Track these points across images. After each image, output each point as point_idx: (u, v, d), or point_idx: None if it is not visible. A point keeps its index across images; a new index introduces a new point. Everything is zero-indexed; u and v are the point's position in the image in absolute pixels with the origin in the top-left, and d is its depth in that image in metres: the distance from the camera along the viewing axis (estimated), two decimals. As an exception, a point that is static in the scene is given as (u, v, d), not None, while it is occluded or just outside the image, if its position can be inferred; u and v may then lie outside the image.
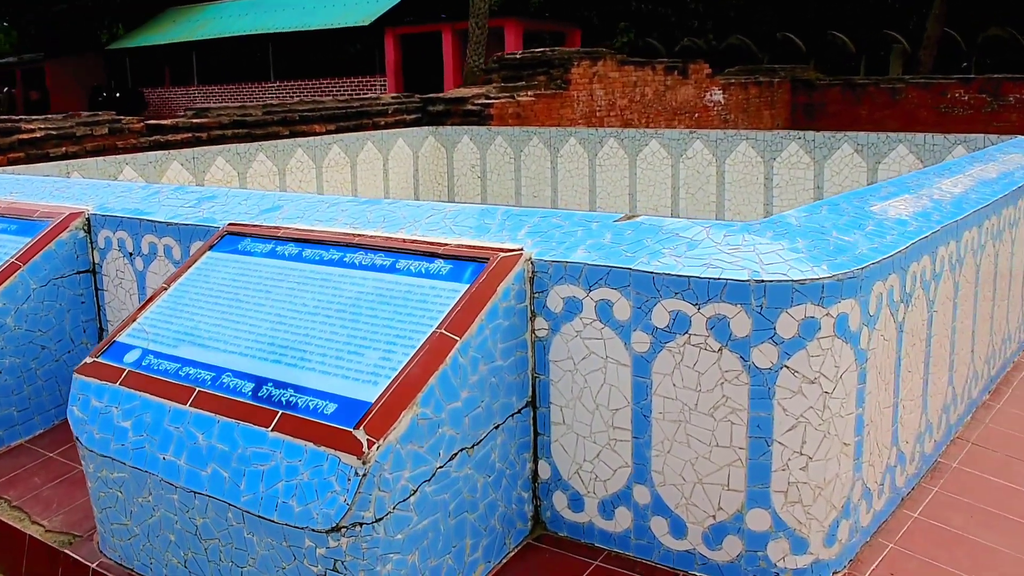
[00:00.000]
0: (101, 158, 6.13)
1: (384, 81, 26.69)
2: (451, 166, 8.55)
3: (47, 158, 6.63)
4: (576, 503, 2.72)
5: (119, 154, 6.84)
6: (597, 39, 26.18)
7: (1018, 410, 3.66)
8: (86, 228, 3.95)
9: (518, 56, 10.84)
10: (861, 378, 2.44)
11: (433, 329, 2.50)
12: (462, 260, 2.70)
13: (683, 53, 23.32)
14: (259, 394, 2.57)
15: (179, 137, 7.72)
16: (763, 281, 2.29)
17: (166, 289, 3.18)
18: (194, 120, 7.92)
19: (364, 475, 2.25)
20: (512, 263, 2.62)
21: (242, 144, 7.10)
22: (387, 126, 9.46)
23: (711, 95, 13.20)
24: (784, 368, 2.32)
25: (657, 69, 12.21)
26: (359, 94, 25.47)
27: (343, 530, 2.26)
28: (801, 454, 2.36)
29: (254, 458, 2.45)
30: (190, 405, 2.65)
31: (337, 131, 8.91)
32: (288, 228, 3.20)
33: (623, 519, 2.62)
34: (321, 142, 7.62)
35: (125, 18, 34.09)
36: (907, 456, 2.88)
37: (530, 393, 2.71)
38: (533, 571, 2.65)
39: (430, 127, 8.76)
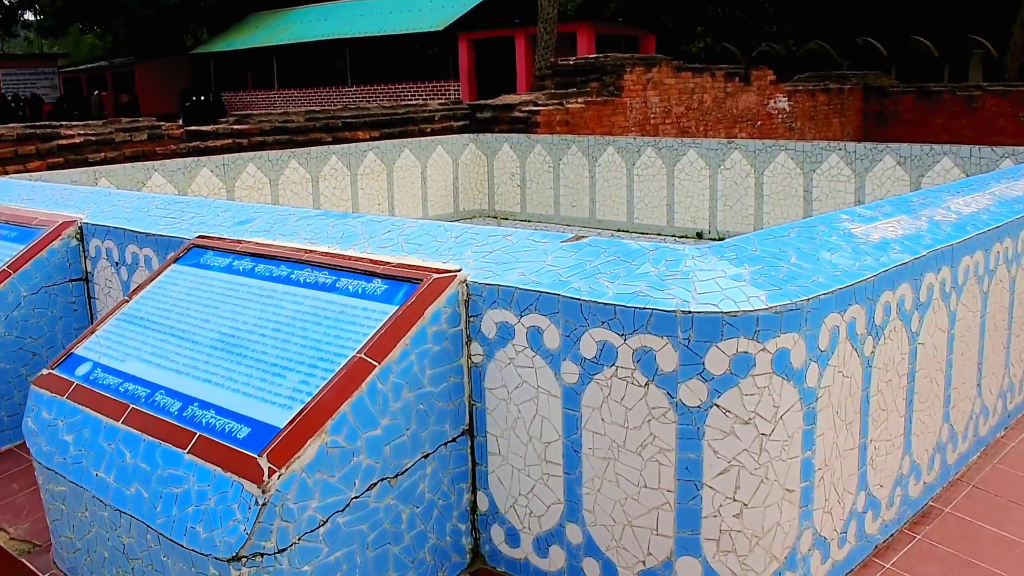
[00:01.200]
0: (131, 164, 6.23)
1: (457, 86, 26.82)
2: (491, 174, 8.46)
3: (86, 163, 6.78)
4: (513, 538, 2.58)
5: (157, 160, 6.95)
6: (672, 44, 25.82)
7: (1034, 450, 3.37)
8: (79, 237, 3.97)
9: (571, 62, 10.68)
10: (808, 419, 2.24)
11: (354, 353, 2.40)
12: (398, 280, 2.59)
13: (760, 58, 22.80)
14: (184, 414, 2.50)
15: (219, 143, 7.81)
16: (690, 312, 2.11)
17: (127, 302, 3.15)
18: (235, 127, 8.00)
19: (264, 504, 2.15)
20: (445, 284, 2.50)
21: (274, 151, 7.14)
22: (433, 133, 9.42)
23: (775, 102, 12.80)
24: (714, 407, 2.14)
25: (717, 75, 11.89)
26: (432, 98, 25.63)
27: (243, 560, 2.17)
28: (735, 500, 2.18)
29: (170, 480, 2.38)
30: (122, 422, 2.60)
31: (381, 138, 8.91)
32: (248, 242, 3.14)
33: (557, 558, 2.47)
34: (356, 149, 7.61)
35: (210, 23, 35.05)
36: (882, 501, 2.66)
37: (467, 421, 2.59)
38: (464, 608, 2.53)
39: (471, 135, 8.67)
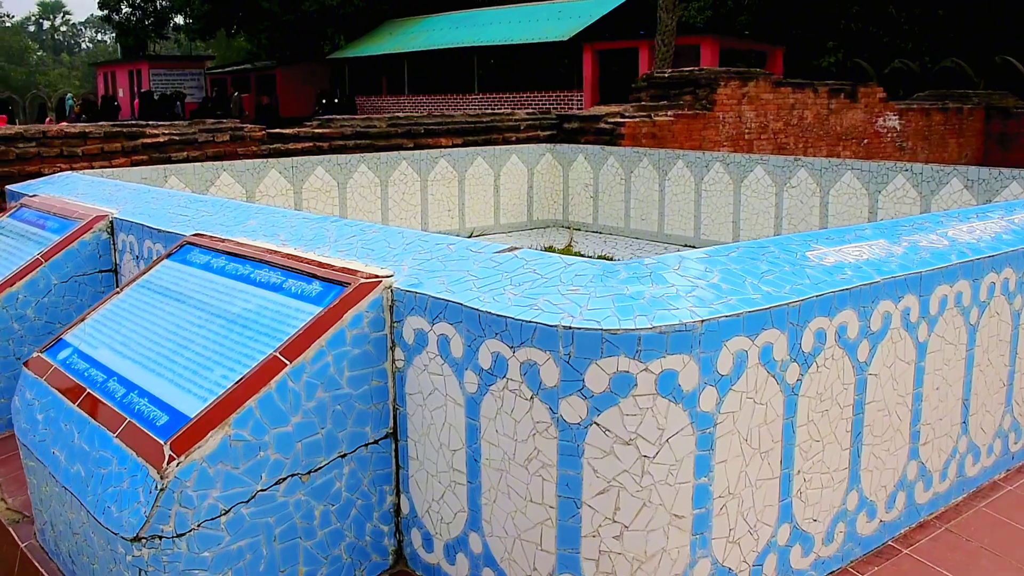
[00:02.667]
0: (200, 164, 6.55)
1: (581, 96, 26.90)
2: (566, 184, 8.45)
3: (169, 161, 7.17)
4: (428, 543, 2.60)
5: (240, 159, 7.27)
6: (802, 59, 25.11)
7: (1034, 497, 3.14)
8: (109, 230, 4.22)
9: (667, 75, 10.55)
10: (703, 444, 2.17)
11: (272, 351, 2.47)
12: (332, 283, 2.65)
13: (893, 75, 21.92)
14: (124, 400, 2.64)
15: (299, 146, 8.10)
16: (571, 328, 2.09)
17: (118, 293, 3.34)
18: (316, 131, 8.29)
19: (163, 489, 2.25)
20: (369, 289, 2.55)
21: (343, 155, 7.35)
22: (518, 142, 9.50)
23: (884, 120, 12.25)
24: (594, 425, 2.10)
25: (820, 91, 11.48)
26: (557, 108, 25.76)
27: (143, 541, 2.27)
28: (614, 521, 2.14)
29: (100, 461, 2.52)
30: (77, 405, 2.76)
31: (464, 145, 9.04)
32: (229, 241, 3.27)
33: (462, 566, 2.48)
34: (428, 155, 7.76)
35: (347, 30, 36.31)
36: (815, 535, 2.54)
37: (391, 424, 2.62)
38: (375, 609, 2.56)
39: (548, 144, 8.69)
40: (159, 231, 3.80)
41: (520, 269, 2.45)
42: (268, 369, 2.42)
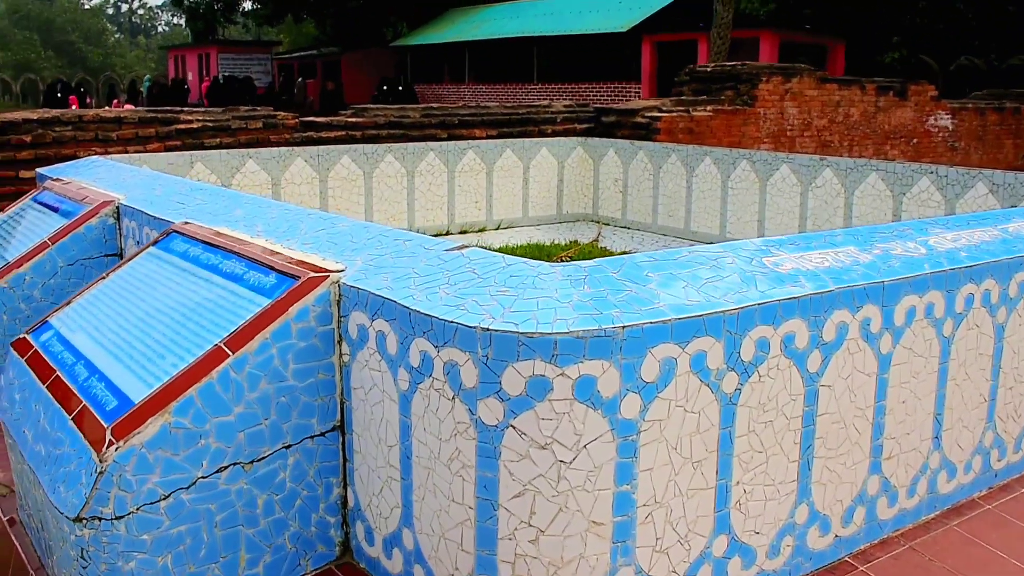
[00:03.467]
0: (226, 151, 6.66)
1: (638, 88, 26.65)
2: (597, 178, 8.40)
3: (202, 147, 7.31)
4: (370, 536, 2.62)
5: (271, 147, 7.38)
6: (864, 54, 24.52)
7: (1011, 515, 3.04)
8: (115, 216, 4.33)
9: (709, 69, 10.40)
10: (625, 451, 2.15)
11: (218, 341, 2.52)
12: (286, 276, 2.68)
13: (958, 73, 21.30)
14: (85, 383, 2.71)
15: (332, 135, 8.20)
16: (489, 330, 2.09)
17: (104, 278, 3.42)
18: (349, 119, 8.37)
19: (102, 472, 2.31)
20: (316, 284, 2.58)
21: (370, 145, 7.41)
22: (554, 134, 9.46)
23: (935, 119, 11.89)
24: (511, 428, 2.10)
25: (867, 89, 11.19)
26: (614, 99, 25.60)
27: (84, 521, 2.33)
28: (530, 525, 2.13)
29: (57, 442, 2.59)
30: (47, 386, 2.85)
31: (499, 136, 9.04)
32: (208, 230, 3.33)
33: (397, 561, 2.50)
34: (455, 146, 7.77)
35: (410, 18, 36.49)
36: (758, 548, 2.50)
37: (338, 417, 2.65)
38: (315, 599, 2.60)
39: (579, 138, 8.64)
40: (155, 218, 3.88)
41: (461, 268, 2.45)
42: (211, 359, 2.46)
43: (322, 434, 2.64)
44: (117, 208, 4.33)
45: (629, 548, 2.21)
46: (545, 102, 9.72)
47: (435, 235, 7.72)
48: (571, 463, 2.10)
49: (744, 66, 10.10)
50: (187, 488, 2.42)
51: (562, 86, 29.18)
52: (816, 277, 2.56)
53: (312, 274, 2.61)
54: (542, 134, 9.50)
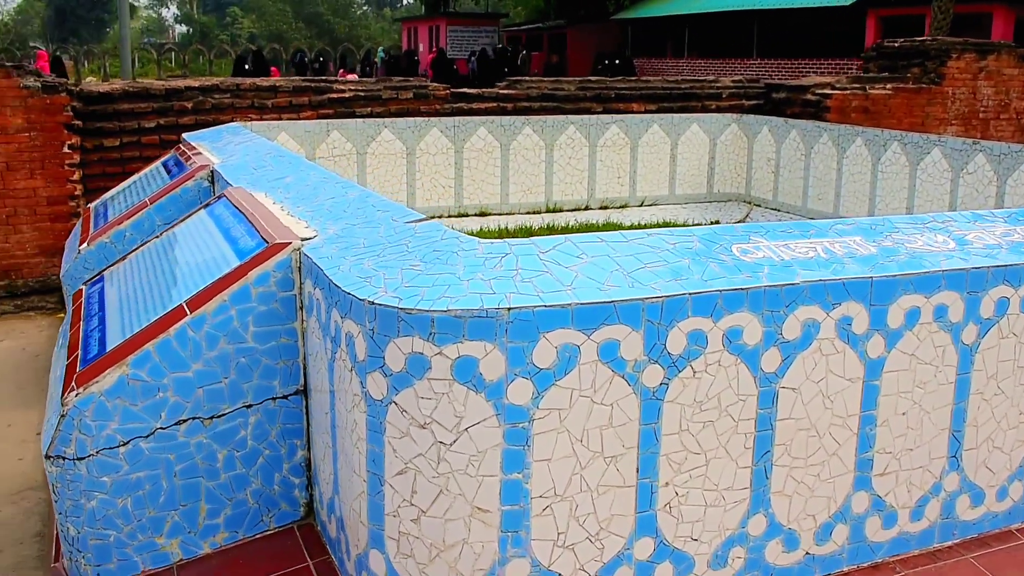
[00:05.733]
0: (362, 120, 6.89)
1: (860, 65, 25.02)
2: (751, 158, 7.98)
3: (353, 115, 7.62)
4: (320, 500, 2.67)
5: (421, 117, 7.58)
6: None
7: (1052, 556, 2.65)
8: (210, 179, 4.61)
9: (896, 44, 9.54)
10: (515, 438, 2.06)
11: (180, 301, 2.64)
12: (263, 242, 2.76)
13: None
14: (88, 333, 2.93)
15: (483, 106, 8.28)
16: (374, 304, 2.06)
17: (157, 237, 3.67)
18: (502, 91, 8.42)
19: (63, 416, 2.50)
20: (277, 250, 2.64)
21: (507, 117, 7.41)
22: (718, 110, 9.09)
23: None
24: (393, 404, 2.07)
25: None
26: (834, 76, 24.16)
27: (52, 459, 2.54)
28: (412, 504, 2.10)
29: (58, 384, 2.82)
30: (70, 334, 3.11)
31: (658, 111, 8.80)
32: (245, 195, 3.48)
33: (332, 527, 2.53)
34: (598, 120, 7.62)
35: (635, -12, 36.03)
36: (695, 556, 2.32)
37: (301, 382, 2.71)
38: (270, 552, 2.68)
39: (733, 115, 8.22)
40: (227, 182, 4.11)
41: (399, 241, 2.43)
42: (172, 317, 2.59)
43: (284, 396, 2.71)
44: (212, 172, 4.61)
45: (522, 539, 2.12)
46: (711, 77, 9.33)
47: (573, 210, 7.67)
48: (451, 445, 2.04)
49: (934, 41, 9.19)
50: (146, 437, 2.56)
51: (780, 62, 27.90)
52: (787, 268, 2.33)
53: (277, 240, 2.67)
54: (705, 109, 9.14)
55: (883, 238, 2.58)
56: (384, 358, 2.06)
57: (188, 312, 2.57)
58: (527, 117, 7.41)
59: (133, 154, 7.01)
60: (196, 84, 7.22)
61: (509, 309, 2.00)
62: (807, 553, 2.47)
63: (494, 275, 2.12)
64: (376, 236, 2.54)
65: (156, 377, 2.54)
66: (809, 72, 26.30)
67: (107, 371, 2.51)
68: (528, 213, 7.51)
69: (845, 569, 2.53)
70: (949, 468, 2.61)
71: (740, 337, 2.23)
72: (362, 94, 7.78)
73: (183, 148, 5.43)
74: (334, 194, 3.21)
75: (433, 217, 7.22)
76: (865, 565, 2.56)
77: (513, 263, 2.18)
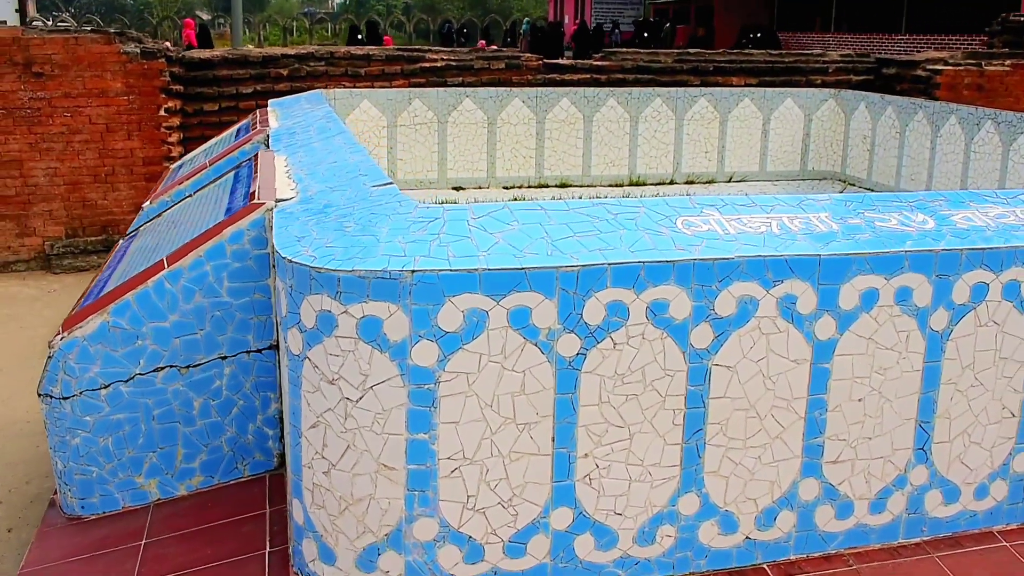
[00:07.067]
0: (444, 89, 6.96)
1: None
2: (847, 134, 7.62)
3: (445, 85, 7.72)
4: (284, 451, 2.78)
5: (512, 87, 7.60)
6: None
7: (1030, 562, 2.48)
8: (266, 143, 4.80)
9: (1023, 18, 8.89)
10: (420, 399, 2.10)
11: (164, 255, 2.79)
12: (249, 201, 2.88)
13: None
14: (104, 280, 3.14)
15: (575, 77, 8.24)
16: (292, 262, 2.13)
17: (191, 197, 3.87)
18: (595, 63, 8.35)
19: (50, 358, 2.70)
20: (252, 210, 2.74)
21: (591, 88, 7.33)
22: (824, 85, 8.73)
23: None
24: (307, 359, 2.14)
25: None
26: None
27: (42, 397, 2.75)
28: (323, 457, 2.17)
29: (68, 330, 3.04)
30: (97, 275, 3.33)
31: (759, 85, 8.53)
32: (269, 158, 3.62)
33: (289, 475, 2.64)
34: (685, 93, 7.43)
35: (781, -40, 34.73)
36: (618, 530, 2.30)
37: (275, 337, 2.82)
38: (238, 497, 2.81)
39: (830, 90, 7.85)
40: (267, 148, 4.27)
41: (352, 204, 2.49)
42: (152, 270, 2.75)
43: (259, 351, 2.83)
44: (267, 137, 4.80)
45: (429, 499, 2.16)
46: (819, 51, 8.94)
47: (657, 184, 7.54)
48: (357, 402, 2.10)
49: (1071, 10, 8.51)
50: (125, 381, 2.74)
51: (929, 38, 26.29)
52: (730, 243, 2.26)
53: (253, 200, 2.79)
54: (810, 84, 8.79)
55: (853, 216, 2.45)
56: (300, 315, 2.13)
57: (166, 266, 2.72)
58: (612, 89, 7.32)
59: (231, 118, 7.34)
60: (292, 52, 7.50)
61: (413, 271, 2.03)
62: (747, 537, 2.40)
63: (414, 239, 2.15)
64: (339, 199, 2.61)
65: (135, 325, 2.71)
66: (955, 47, 24.74)
67: (90, 317, 2.69)
68: (610, 186, 7.44)
69: (792, 557, 2.45)
70: (916, 460, 2.48)
71: (666, 311, 2.19)
72: (454, 64, 7.88)
73: (258, 113, 5.66)
74: (337, 159, 3.30)
75: (512, 187, 7.30)
76: (815, 555, 2.47)
77: (439, 228, 2.20)
